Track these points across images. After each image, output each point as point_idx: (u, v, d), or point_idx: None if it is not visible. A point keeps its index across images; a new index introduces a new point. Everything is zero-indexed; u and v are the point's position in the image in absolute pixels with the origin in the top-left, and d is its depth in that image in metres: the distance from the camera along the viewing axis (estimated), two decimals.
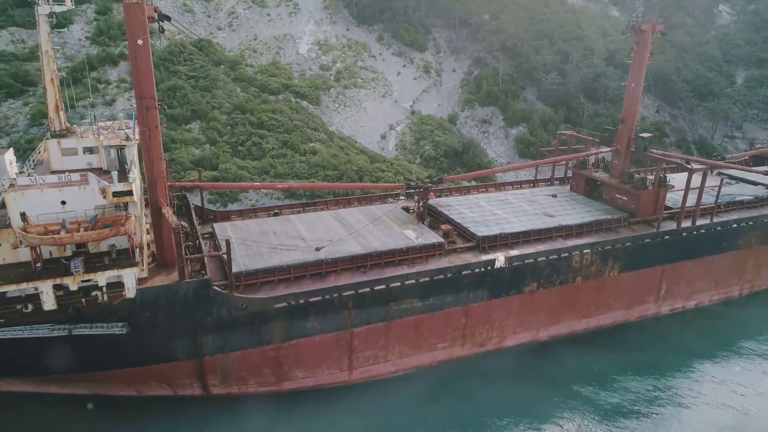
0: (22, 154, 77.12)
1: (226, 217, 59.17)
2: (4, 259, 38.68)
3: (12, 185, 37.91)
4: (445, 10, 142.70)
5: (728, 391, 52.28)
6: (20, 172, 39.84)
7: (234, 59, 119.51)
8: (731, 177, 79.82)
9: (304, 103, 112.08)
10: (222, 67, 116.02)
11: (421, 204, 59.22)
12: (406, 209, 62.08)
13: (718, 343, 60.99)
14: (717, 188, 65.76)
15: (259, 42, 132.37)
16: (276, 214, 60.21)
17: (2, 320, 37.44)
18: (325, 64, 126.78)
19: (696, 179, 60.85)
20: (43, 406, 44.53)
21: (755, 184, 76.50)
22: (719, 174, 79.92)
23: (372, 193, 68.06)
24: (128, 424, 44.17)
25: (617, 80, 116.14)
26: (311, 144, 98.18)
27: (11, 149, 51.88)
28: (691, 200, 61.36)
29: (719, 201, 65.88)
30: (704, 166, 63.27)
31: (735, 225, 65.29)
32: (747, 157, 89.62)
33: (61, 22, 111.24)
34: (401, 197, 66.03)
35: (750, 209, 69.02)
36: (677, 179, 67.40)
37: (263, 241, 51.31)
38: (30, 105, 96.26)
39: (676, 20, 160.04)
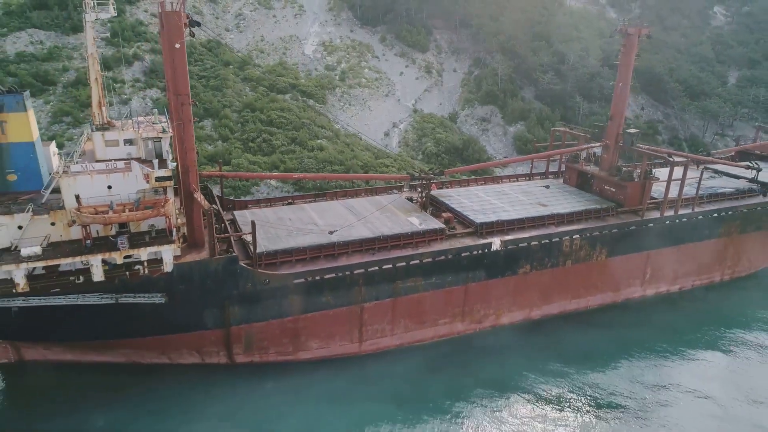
0: None
1: (243, 206, 64.77)
2: (61, 235, 44.38)
3: (66, 172, 43.64)
4: (446, 12, 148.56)
5: (707, 365, 57.72)
6: (71, 161, 45.46)
7: (243, 59, 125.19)
8: (716, 171, 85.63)
9: (311, 102, 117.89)
10: (231, 67, 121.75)
11: (423, 194, 65.05)
12: (410, 199, 67.75)
13: (700, 323, 66.52)
14: (700, 181, 71.43)
15: (266, 43, 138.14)
16: (290, 204, 65.86)
17: (57, 289, 43.08)
18: (330, 65, 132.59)
19: (679, 172, 66.56)
20: (78, 373, 50.14)
21: (737, 177, 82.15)
22: (705, 168, 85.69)
23: (378, 185, 73.67)
24: (161, 391, 49.60)
25: (612, 80, 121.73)
26: (318, 140, 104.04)
27: (54, 142, 57.87)
28: (677, 193, 67.05)
29: (701, 193, 71.69)
30: (685, 160, 68.74)
31: (716, 215, 71.00)
32: (733, 153, 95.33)
33: (77, 25, 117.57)
34: (405, 189, 71.71)
35: (731, 200, 74.65)
36: (664, 173, 72.97)
37: (280, 226, 56.94)
38: (51, 103, 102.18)
39: (672, 22, 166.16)
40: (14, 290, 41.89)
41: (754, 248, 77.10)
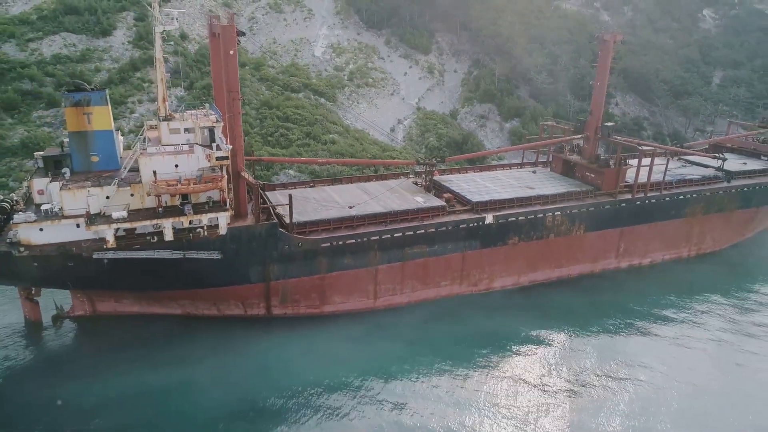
0: None
1: (271, 188, 77.10)
2: (143, 203, 56.68)
3: (143, 153, 56.00)
4: (448, 16, 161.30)
5: (671, 324, 69.54)
6: (145, 146, 57.77)
7: (257, 61, 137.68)
8: (688, 161, 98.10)
9: (322, 100, 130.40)
10: (247, 67, 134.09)
11: (427, 179, 77.45)
12: (416, 183, 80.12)
13: (666, 290, 78.40)
14: (674, 168, 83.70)
15: (278, 45, 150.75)
16: (312, 186, 78.27)
17: (138, 246, 55.33)
18: (339, 66, 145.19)
19: (650, 161, 78.84)
20: (140, 326, 62.20)
21: (707, 167, 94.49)
22: (680, 159, 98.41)
23: (387, 171, 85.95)
24: (208, 339, 61.38)
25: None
26: (331, 135, 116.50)
27: (119, 130, 70.24)
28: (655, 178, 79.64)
29: (672, 179, 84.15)
30: (652, 149, 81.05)
31: (681, 197, 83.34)
32: (707, 146, 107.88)
33: (106, 29, 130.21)
34: (411, 175, 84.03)
35: (697, 186, 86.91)
36: (645, 163, 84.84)
37: (306, 203, 69.27)
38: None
39: (662, 24, 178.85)
40: (105, 246, 54.12)
41: (718, 228, 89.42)
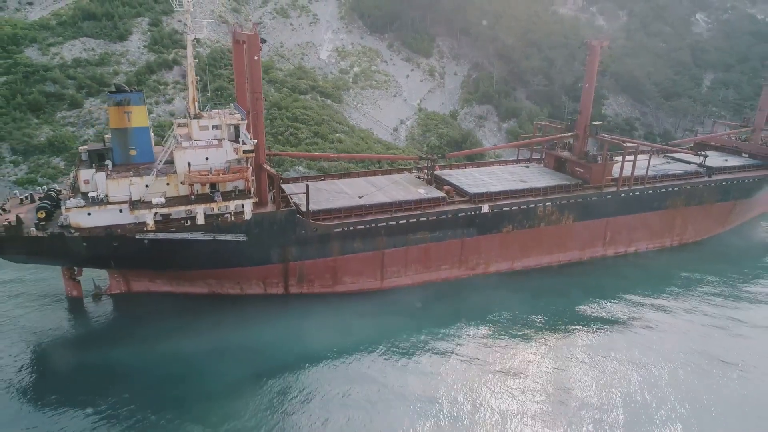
0: None
1: (285, 181, 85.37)
2: (177, 191, 64.90)
3: (178, 147, 64.36)
4: (448, 21, 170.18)
5: (651, 304, 77.60)
6: (179, 141, 66.09)
7: (266, 64, 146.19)
8: (673, 158, 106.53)
9: (329, 101, 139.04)
10: None
11: (429, 173, 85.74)
12: (418, 177, 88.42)
13: (648, 276, 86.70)
14: (658, 165, 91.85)
15: (285, 49, 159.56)
16: (323, 180, 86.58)
17: (174, 229, 63.59)
18: (343, 68, 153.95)
19: (633, 157, 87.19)
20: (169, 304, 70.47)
21: (689, 163, 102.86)
22: (665, 156, 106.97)
23: (391, 167, 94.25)
24: (232, 316, 69.52)
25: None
26: (337, 134, 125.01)
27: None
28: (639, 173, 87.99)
29: (656, 174, 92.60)
30: (635, 146, 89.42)
31: (663, 190, 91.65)
32: (692, 144, 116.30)
33: (122, 34, 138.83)
34: (413, 171, 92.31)
35: (678, 180, 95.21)
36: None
37: (319, 194, 77.53)
38: (107, 102, 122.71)
39: (655, 28, 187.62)
40: (145, 229, 62.41)
41: (699, 220, 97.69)
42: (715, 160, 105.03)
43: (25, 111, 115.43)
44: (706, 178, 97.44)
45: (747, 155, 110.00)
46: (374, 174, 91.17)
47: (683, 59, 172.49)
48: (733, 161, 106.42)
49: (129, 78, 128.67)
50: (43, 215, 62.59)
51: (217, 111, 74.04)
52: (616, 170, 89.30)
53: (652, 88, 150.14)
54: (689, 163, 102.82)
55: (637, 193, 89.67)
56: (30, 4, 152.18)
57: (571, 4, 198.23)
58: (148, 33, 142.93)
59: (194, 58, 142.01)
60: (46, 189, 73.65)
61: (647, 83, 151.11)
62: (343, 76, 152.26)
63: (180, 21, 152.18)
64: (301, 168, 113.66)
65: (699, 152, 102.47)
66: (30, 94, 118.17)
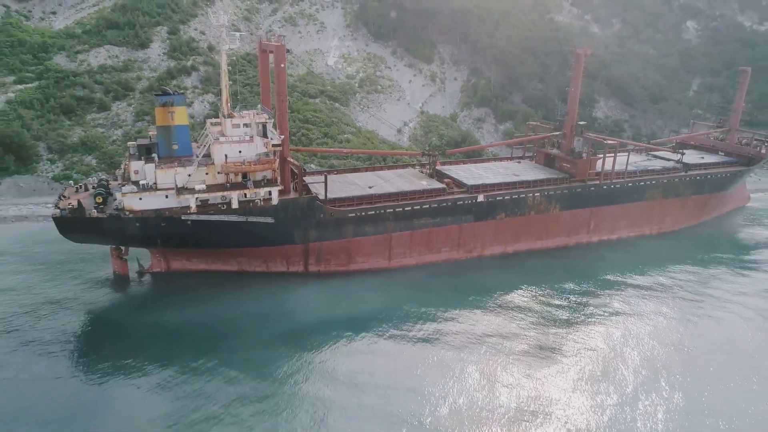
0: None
1: (303, 174, 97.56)
2: (214, 180, 76.96)
3: (216, 141, 76.65)
4: (449, 29, 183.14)
5: (633, 286, 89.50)
6: (216, 136, 78.39)
7: None
8: (654, 155, 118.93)
9: (337, 104, 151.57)
10: None
11: (431, 168, 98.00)
12: (421, 171, 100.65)
13: (631, 260, 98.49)
14: (640, 161, 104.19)
15: (293, 55, 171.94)
16: (336, 173, 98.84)
17: (212, 212, 75.70)
18: (350, 74, 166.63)
19: (614, 154, 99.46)
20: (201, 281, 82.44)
21: (668, 160, 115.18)
22: (648, 154, 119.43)
23: (397, 162, 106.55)
24: (257, 291, 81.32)
25: (585, 87, 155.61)
26: (345, 135, 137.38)
27: None
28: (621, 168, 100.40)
29: (636, 169, 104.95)
30: (615, 143, 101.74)
31: (642, 183, 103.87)
32: (674, 143, 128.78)
33: (144, 42, 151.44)
34: (416, 166, 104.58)
35: (657, 174, 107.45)
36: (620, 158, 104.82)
37: (334, 185, 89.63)
38: (133, 105, 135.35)
39: (646, 35, 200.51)
40: (188, 211, 74.55)
41: (676, 211, 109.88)
42: (692, 157, 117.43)
43: (58, 113, 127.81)
44: (683, 173, 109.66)
45: (723, 153, 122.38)
46: (381, 169, 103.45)
47: (673, 65, 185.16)
48: (709, 158, 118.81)
49: (151, 83, 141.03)
50: (101, 200, 74.82)
51: (246, 111, 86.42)
52: (601, 166, 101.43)
53: (641, 92, 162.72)
54: (668, 160, 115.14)
55: (618, 186, 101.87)
56: (54, 13, 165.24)
57: (566, 11, 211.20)
58: (167, 41, 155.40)
59: (209, 65, 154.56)
60: (97, 179, 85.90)
61: (636, 87, 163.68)
62: (349, 81, 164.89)
63: (196, 29, 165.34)
64: (312, 165, 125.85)
65: (677, 150, 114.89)
66: (62, 97, 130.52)
